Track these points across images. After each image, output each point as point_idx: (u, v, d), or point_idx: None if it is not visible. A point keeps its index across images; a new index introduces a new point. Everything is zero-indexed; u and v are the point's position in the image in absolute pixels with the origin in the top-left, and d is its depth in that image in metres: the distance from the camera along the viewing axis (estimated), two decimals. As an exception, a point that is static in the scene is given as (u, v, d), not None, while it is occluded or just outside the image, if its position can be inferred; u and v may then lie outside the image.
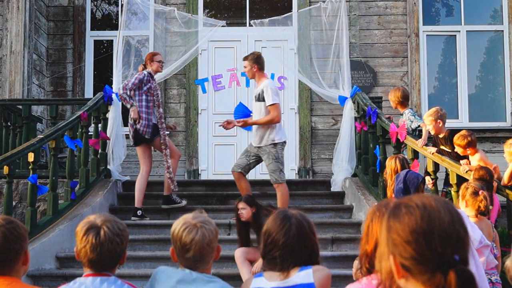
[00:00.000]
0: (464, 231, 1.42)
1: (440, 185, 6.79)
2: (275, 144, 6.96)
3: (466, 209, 4.70)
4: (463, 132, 6.26)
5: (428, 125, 6.64)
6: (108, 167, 8.20)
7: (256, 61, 7.08)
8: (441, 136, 6.61)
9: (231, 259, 6.44)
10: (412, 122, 7.18)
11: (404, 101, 7.39)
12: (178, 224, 2.60)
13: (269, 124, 6.95)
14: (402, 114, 7.38)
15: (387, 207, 2.25)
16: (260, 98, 7.01)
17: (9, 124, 8.50)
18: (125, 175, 8.68)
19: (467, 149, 6.21)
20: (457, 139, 6.21)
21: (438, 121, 6.51)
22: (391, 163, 5.79)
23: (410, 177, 5.32)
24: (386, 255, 1.46)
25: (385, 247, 1.47)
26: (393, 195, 5.49)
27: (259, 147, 7.02)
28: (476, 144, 6.25)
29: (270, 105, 6.91)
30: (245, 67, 7.20)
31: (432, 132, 6.65)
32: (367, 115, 7.79)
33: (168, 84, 10.16)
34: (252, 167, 7.23)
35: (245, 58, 7.23)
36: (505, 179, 5.83)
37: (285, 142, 7.12)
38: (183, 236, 2.55)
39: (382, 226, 1.49)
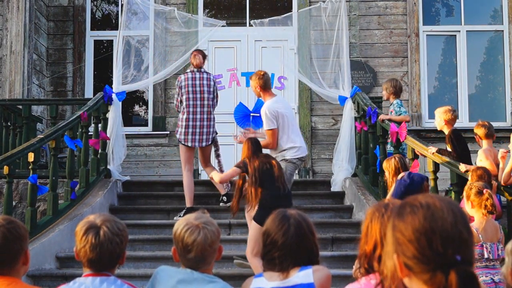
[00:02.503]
0: (468, 232, 1.42)
1: (441, 185, 6.78)
2: (286, 161, 6.74)
3: (472, 210, 4.68)
4: (480, 121, 6.42)
5: (436, 120, 6.65)
6: (108, 167, 8.20)
7: (259, 81, 6.84)
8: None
9: (231, 259, 6.44)
10: (397, 114, 7.36)
11: (398, 91, 7.62)
12: (180, 225, 2.60)
13: (266, 148, 6.79)
14: (390, 104, 7.64)
15: (386, 207, 2.27)
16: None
17: (9, 124, 8.49)
18: (125, 175, 8.68)
19: (482, 138, 6.27)
20: (475, 127, 6.40)
21: (447, 123, 6.51)
22: (390, 163, 5.81)
23: (415, 177, 5.40)
24: (391, 254, 1.47)
25: (390, 246, 1.48)
26: (394, 187, 5.53)
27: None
28: (490, 136, 6.29)
29: (265, 130, 6.83)
30: (251, 86, 7.07)
31: (438, 128, 6.70)
32: (367, 115, 7.79)
33: (168, 84, 10.16)
34: None
35: (250, 77, 7.10)
36: (503, 180, 5.82)
37: (298, 159, 6.80)
38: (185, 237, 2.54)
39: (388, 225, 1.51)
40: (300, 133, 7.12)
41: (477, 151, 6.44)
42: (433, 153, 6.42)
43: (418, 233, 1.41)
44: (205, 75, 7.64)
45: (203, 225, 2.57)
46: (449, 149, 6.52)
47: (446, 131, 6.53)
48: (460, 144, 6.46)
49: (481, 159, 6.14)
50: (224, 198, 7.69)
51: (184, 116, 7.52)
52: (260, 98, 9.65)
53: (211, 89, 7.61)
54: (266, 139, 6.83)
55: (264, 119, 6.79)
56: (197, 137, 7.49)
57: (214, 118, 7.69)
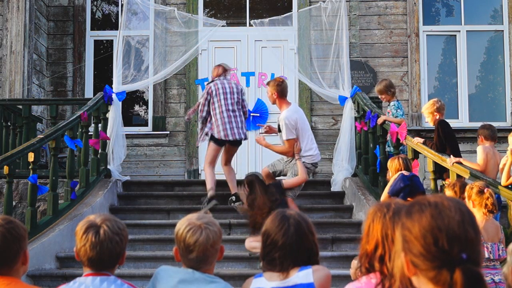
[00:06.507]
0: (475, 232, 1.43)
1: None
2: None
3: (473, 210, 4.68)
4: (483, 124, 6.53)
5: (426, 118, 6.77)
6: (108, 167, 8.20)
7: (276, 88, 7.01)
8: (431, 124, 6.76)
9: (231, 258, 6.44)
10: (393, 116, 7.39)
11: (394, 91, 7.61)
12: (182, 225, 2.59)
13: (282, 154, 7.09)
14: (388, 105, 7.63)
15: (388, 208, 2.26)
16: (279, 129, 7.08)
17: (9, 124, 8.49)
18: (125, 175, 8.67)
19: (484, 140, 6.35)
20: (480, 128, 6.51)
21: (435, 113, 6.57)
22: (394, 164, 5.83)
23: (416, 181, 5.45)
24: (400, 252, 1.49)
25: (399, 245, 1.50)
26: (392, 183, 5.57)
27: (286, 163, 7.16)
28: (492, 138, 6.35)
29: (285, 139, 6.95)
30: (267, 92, 7.20)
31: (431, 124, 6.76)
32: (366, 118, 7.80)
33: (168, 84, 10.16)
34: (280, 175, 7.27)
35: (268, 83, 7.25)
36: (503, 180, 5.81)
37: (312, 164, 7.08)
38: (187, 237, 2.54)
39: (397, 225, 1.53)
40: (314, 140, 7.29)
41: (468, 150, 6.49)
42: (416, 143, 6.57)
43: (424, 230, 1.43)
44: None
45: (205, 225, 2.56)
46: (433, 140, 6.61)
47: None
48: (446, 135, 6.50)
49: (478, 156, 6.20)
50: (233, 198, 7.70)
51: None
52: (260, 98, 9.70)
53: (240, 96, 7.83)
54: (285, 147, 6.98)
55: (283, 129, 6.87)
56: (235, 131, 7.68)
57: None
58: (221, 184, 8.20)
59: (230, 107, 7.63)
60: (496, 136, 6.47)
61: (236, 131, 7.63)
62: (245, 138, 7.83)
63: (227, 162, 7.86)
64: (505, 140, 6.83)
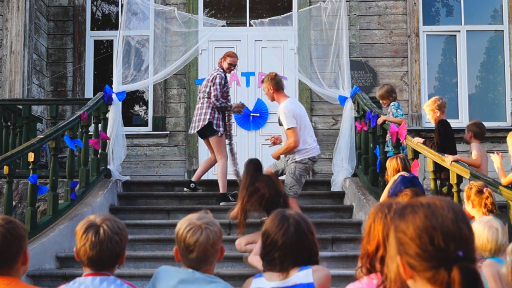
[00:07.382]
0: (469, 230, 1.44)
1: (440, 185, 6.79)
2: (296, 162, 6.88)
3: (472, 210, 4.66)
4: (472, 121, 6.61)
5: (427, 115, 6.76)
6: (108, 167, 8.20)
7: (271, 82, 6.94)
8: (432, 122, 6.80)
9: (231, 259, 6.44)
10: (394, 116, 7.40)
11: (396, 95, 7.68)
12: (182, 225, 2.59)
13: (289, 150, 6.85)
14: (388, 106, 7.67)
15: (389, 208, 2.26)
16: (280, 122, 7.01)
17: (9, 124, 8.49)
18: (125, 175, 8.67)
19: (473, 137, 6.46)
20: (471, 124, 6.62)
21: (436, 111, 6.57)
22: (392, 163, 5.82)
23: (417, 182, 5.43)
24: (394, 256, 1.49)
25: (393, 248, 1.50)
26: (393, 185, 5.54)
27: (286, 161, 7.08)
28: (477, 136, 6.44)
29: (287, 129, 6.84)
30: (264, 89, 7.18)
31: (432, 122, 6.78)
32: (366, 119, 7.80)
33: (168, 84, 10.16)
34: (282, 174, 7.22)
35: (262, 81, 7.23)
36: (502, 180, 5.80)
37: (309, 159, 6.90)
38: (187, 237, 2.54)
39: (391, 228, 1.53)
40: (313, 133, 7.18)
41: (467, 150, 6.53)
42: (417, 143, 6.56)
43: (419, 230, 1.43)
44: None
45: (206, 225, 2.57)
46: (434, 140, 6.63)
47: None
48: (446, 134, 6.51)
49: (473, 152, 6.28)
50: (231, 198, 7.75)
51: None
52: (260, 98, 9.72)
53: (208, 83, 7.90)
54: (288, 139, 6.83)
55: (284, 119, 6.81)
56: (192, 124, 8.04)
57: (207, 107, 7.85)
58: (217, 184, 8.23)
59: (199, 99, 7.93)
60: (484, 136, 6.57)
61: (191, 124, 7.99)
62: (202, 130, 7.79)
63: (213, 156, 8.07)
64: (504, 140, 6.83)
